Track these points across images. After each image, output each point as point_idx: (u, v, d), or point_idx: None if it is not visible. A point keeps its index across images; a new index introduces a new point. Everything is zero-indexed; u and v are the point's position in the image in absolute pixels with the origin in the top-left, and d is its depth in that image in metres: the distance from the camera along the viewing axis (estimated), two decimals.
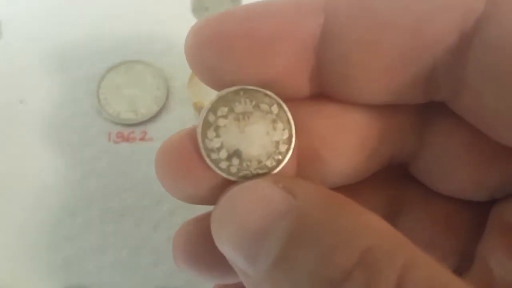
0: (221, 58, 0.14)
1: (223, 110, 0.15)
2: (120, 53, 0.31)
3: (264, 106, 0.15)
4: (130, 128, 0.29)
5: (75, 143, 0.28)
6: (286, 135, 0.15)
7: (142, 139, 0.28)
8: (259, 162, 0.15)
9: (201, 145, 0.15)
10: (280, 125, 0.15)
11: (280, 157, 0.15)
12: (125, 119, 0.29)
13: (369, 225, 0.13)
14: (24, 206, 0.27)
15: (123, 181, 0.27)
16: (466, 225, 0.18)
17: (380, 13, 0.14)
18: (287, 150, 0.15)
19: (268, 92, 0.15)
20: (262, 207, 0.13)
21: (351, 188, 0.17)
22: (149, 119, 0.29)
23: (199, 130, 0.15)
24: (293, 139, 0.15)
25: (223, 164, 0.15)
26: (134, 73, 0.30)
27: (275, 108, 0.15)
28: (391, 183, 0.19)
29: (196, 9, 0.33)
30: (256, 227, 0.13)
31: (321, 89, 0.16)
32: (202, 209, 0.17)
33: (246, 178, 0.15)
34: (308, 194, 0.14)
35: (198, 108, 0.29)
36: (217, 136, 0.15)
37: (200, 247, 0.16)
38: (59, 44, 0.31)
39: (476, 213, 0.17)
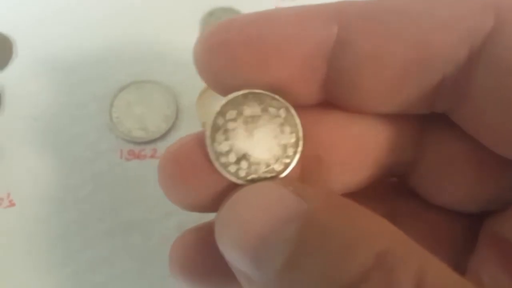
0: (230, 64, 0.14)
1: (232, 113, 0.15)
2: (131, 72, 0.32)
3: (272, 110, 0.15)
4: (140, 146, 0.29)
5: (88, 159, 0.29)
6: (293, 139, 0.15)
7: (152, 156, 0.29)
8: (267, 165, 0.15)
9: (209, 148, 0.14)
10: (287, 129, 0.15)
11: (288, 160, 0.15)
12: (136, 137, 0.29)
13: (383, 229, 0.13)
14: (36, 219, 0.27)
15: (133, 197, 0.28)
16: (459, 238, 0.18)
17: (392, 26, 0.14)
18: (295, 153, 0.15)
19: (276, 96, 0.15)
20: (271, 209, 0.13)
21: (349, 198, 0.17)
22: (159, 137, 0.30)
23: (207, 133, 0.14)
24: (300, 143, 0.15)
25: (232, 168, 0.15)
26: (144, 92, 0.31)
27: (282, 112, 0.15)
28: (387, 195, 0.19)
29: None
30: (264, 229, 0.13)
31: (328, 97, 0.16)
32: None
33: (254, 181, 0.15)
34: (318, 198, 0.13)
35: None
36: (226, 139, 0.15)
37: (198, 258, 0.16)
38: (73, 63, 0.32)
39: (469, 226, 0.17)
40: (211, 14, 0.34)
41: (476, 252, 0.16)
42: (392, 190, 0.19)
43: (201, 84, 0.31)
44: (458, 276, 0.12)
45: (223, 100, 0.15)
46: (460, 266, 0.16)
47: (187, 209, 0.16)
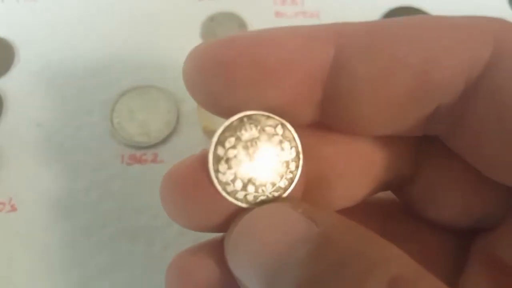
0: (226, 85, 0.14)
1: (231, 140, 0.15)
2: (133, 78, 0.32)
3: (269, 129, 0.15)
4: (142, 151, 0.30)
5: (90, 165, 0.29)
6: (294, 153, 0.15)
7: (153, 161, 0.29)
8: (273, 184, 0.15)
9: (215, 181, 0.15)
10: (287, 145, 0.15)
11: (291, 175, 0.15)
12: (138, 142, 0.30)
13: (393, 255, 0.13)
14: (37, 224, 0.27)
15: (135, 203, 0.28)
16: (450, 255, 0.18)
17: (390, 52, 0.14)
18: (297, 167, 0.15)
19: (270, 114, 0.15)
20: (283, 232, 0.13)
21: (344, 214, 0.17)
22: (160, 142, 0.30)
23: (210, 165, 0.15)
24: (301, 156, 0.15)
25: (240, 194, 0.15)
26: (146, 97, 0.31)
27: (279, 129, 0.15)
28: (382, 213, 0.19)
29: (205, 35, 0.34)
30: (277, 251, 0.13)
31: (324, 119, 0.16)
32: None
33: (263, 202, 0.15)
34: (329, 222, 0.13)
35: (207, 131, 0.30)
36: (229, 168, 0.15)
37: (195, 281, 0.16)
38: (75, 70, 0.32)
39: (460, 243, 0.18)
40: (211, 19, 0.35)
41: (466, 269, 0.16)
42: (386, 207, 0.19)
43: None
44: None
45: (219, 129, 0.15)
46: (451, 283, 0.16)
47: (193, 230, 0.16)
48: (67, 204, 0.28)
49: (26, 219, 0.28)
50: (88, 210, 0.28)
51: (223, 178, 0.15)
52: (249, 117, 0.15)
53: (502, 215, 0.16)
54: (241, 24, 0.34)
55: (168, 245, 0.27)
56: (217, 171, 0.15)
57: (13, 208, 0.28)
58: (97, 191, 0.28)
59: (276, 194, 0.15)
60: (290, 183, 0.15)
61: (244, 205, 0.15)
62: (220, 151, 0.15)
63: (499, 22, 0.14)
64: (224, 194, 0.15)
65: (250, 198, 0.15)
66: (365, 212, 0.18)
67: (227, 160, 0.15)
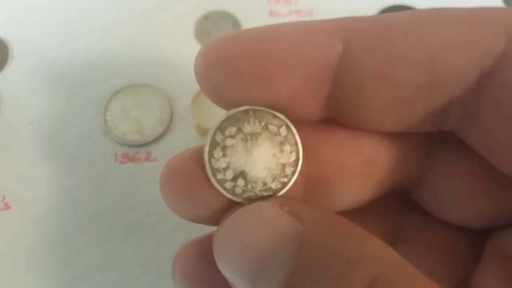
0: (233, 80, 0.14)
1: (231, 129, 0.15)
2: (126, 76, 0.32)
3: (272, 128, 0.15)
4: (135, 149, 0.30)
5: (83, 163, 0.29)
6: (293, 158, 0.15)
7: (147, 159, 0.29)
8: (264, 184, 0.15)
9: (207, 164, 0.14)
10: (287, 148, 0.15)
11: (285, 179, 0.15)
12: (131, 140, 0.30)
13: (375, 254, 0.12)
14: (31, 222, 0.28)
15: (128, 200, 0.28)
16: (463, 253, 0.17)
17: (398, 47, 0.14)
18: (293, 173, 0.15)
19: (278, 114, 0.15)
20: (267, 230, 0.13)
21: (353, 214, 0.16)
22: (153, 140, 0.30)
23: (206, 149, 0.15)
24: (300, 162, 0.15)
25: (228, 185, 0.15)
26: (139, 95, 0.31)
27: (283, 130, 0.15)
28: (392, 210, 0.19)
29: (199, 34, 0.34)
30: (261, 250, 0.13)
31: (332, 114, 0.16)
32: (204, 227, 0.17)
33: (250, 199, 0.15)
34: (314, 219, 0.13)
35: (200, 129, 0.30)
36: (224, 156, 0.15)
37: (199, 270, 0.16)
38: (68, 67, 0.32)
39: (473, 242, 0.17)
40: (206, 17, 0.35)
41: (479, 267, 0.16)
42: (396, 204, 0.19)
43: (195, 87, 0.31)
44: None
45: (223, 116, 0.15)
46: (464, 281, 0.16)
47: (191, 221, 0.16)
48: (60, 202, 0.28)
49: (20, 217, 0.28)
50: (81, 207, 0.28)
51: (215, 164, 0.15)
52: (254, 111, 0.15)
53: None
54: (235, 23, 0.34)
55: (160, 242, 0.27)
56: (211, 155, 0.15)
57: (7, 206, 0.28)
58: (90, 189, 0.29)
59: (264, 194, 0.15)
60: (282, 187, 0.15)
61: (229, 195, 0.15)
62: (219, 137, 0.15)
63: (510, 13, 0.14)
64: (212, 180, 0.15)
65: (238, 191, 0.15)
66: (375, 209, 0.18)
67: (223, 148, 0.15)
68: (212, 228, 0.16)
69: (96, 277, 0.26)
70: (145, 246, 0.27)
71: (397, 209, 0.19)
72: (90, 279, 0.26)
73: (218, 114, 0.15)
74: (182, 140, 0.30)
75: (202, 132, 0.30)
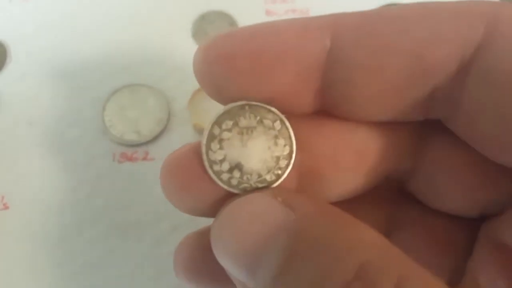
0: (227, 75, 0.15)
1: (228, 123, 0.15)
2: (124, 77, 0.32)
3: (267, 122, 0.15)
4: (133, 149, 0.30)
5: (81, 163, 0.29)
6: (287, 151, 0.16)
7: (144, 159, 0.30)
8: (259, 176, 0.15)
9: (204, 156, 0.15)
10: (281, 141, 0.16)
11: (279, 172, 0.16)
12: (129, 140, 0.30)
13: (366, 239, 0.13)
14: (30, 222, 0.28)
15: (126, 199, 0.28)
16: (457, 241, 0.18)
17: (385, 39, 0.14)
18: (287, 165, 0.16)
19: (272, 109, 0.15)
20: (261, 220, 0.14)
21: (349, 205, 0.17)
22: (151, 140, 0.30)
23: (203, 142, 0.15)
24: (293, 155, 0.16)
25: (225, 176, 0.15)
26: (137, 95, 0.31)
27: (277, 124, 0.16)
28: (387, 200, 0.19)
29: (196, 34, 0.34)
30: (256, 240, 0.13)
31: (324, 106, 0.16)
32: (201, 225, 0.17)
33: (246, 191, 0.15)
34: (306, 209, 0.14)
35: (197, 129, 0.30)
36: (221, 148, 0.15)
37: (200, 260, 0.17)
38: (66, 68, 0.32)
39: (467, 230, 0.18)
40: (202, 17, 0.35)
41: (474, 255, 0.17)
42: (391, 194, 0.19)
43: (192, 87, 0.31)
44: (439, 283, 0.12)
45: (220, 110, 0.15)
46: (459, 269, 0.17)
47: (191, 214, 0.16)
48: (59, 202, 0.28)
49: (18, 217, 0.28)
50: (80, 207, 0.28)
51: (212, 156, 0.15)
52: (250, 106, 0.15)
53: (508, 201, 0.16)
54: (232, 22, 0.35)
55: (158, 241, 0.27)
56: (208, 148, 0.15)
57: (5, 207, 0.28)
58: (88, 188, 0.29)
59: (260, 185, 0.16)
60: (277, 179, 0.16)
61: (225, 186, 0.15)
62: (216, 130, 0.15)
63: (491, 4, 0.14)
64: (210, 172, 0.15)
65: (233, 182, 0.15)
66: (370, 200, 0.18)
67: (220, 141, 0.15)
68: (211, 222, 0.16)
69: (95, 276, 0.27)
70: (143, 245, 0.27)
71: (392, 200, 0.19)
72: (88, 278, 0.26)
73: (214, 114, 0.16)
74: (179, 140, 0.30)
75: (199, 132, 0.30)
